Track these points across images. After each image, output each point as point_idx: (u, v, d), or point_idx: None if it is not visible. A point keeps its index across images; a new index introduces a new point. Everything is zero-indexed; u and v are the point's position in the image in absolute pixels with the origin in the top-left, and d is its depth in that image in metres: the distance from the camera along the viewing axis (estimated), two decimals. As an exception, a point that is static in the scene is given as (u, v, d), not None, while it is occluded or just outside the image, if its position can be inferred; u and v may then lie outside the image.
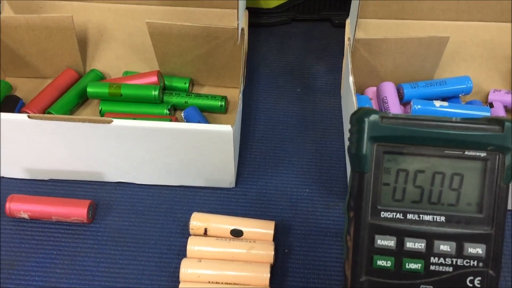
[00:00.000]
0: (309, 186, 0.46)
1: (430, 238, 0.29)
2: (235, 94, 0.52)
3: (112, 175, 0.45)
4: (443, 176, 0.29)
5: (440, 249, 0.29)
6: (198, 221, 0.41)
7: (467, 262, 0.29)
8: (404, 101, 0.49)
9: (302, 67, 0.56)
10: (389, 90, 0.48)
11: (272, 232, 0.41)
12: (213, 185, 0.45)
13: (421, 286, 0.29)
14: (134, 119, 0.40)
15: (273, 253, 0.39)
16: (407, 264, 0.29)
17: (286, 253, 0.41)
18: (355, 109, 0.40)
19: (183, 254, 0.40)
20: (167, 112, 0.49)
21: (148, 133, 0.40)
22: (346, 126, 0.49)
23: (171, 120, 0.48)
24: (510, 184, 0.29)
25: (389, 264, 0.29)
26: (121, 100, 0.49)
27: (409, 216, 0.29)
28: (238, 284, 0.38)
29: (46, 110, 0.49)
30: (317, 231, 0.43)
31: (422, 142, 0.29)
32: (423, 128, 0.28)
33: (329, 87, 0.54)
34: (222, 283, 0.38)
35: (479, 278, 0.29)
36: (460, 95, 0.49)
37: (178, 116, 0.50)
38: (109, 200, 0.44)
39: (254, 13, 0.58)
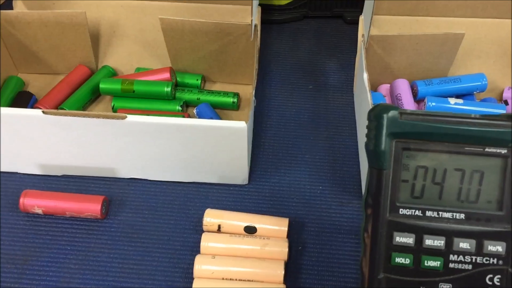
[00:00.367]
0: (323, 183, 0.46)
1: (450, 235, 0.28)
2: (247, 91, 0.52)
3: (125, 171, 0.45)
4: (463, 173, 0.29)
5: (460, 246, 0.28)
6: (211, 217, 0.41)
7: (486, 260, 0.28)
8: (418, 98, 0.48)
9: (314, 64, 0.56)
10: (403, 87, 0.48)
11: (286, 229, 0.41)
12: (226, 182, 0.45)
13: (440, 284, 0.29)
14: (146, 115, 0.40)
15: (287, 250, 0.39)
16: (426, 261, 0.28)
17: (299, 250, 0.41)
18: (370, 106, 0.40)
19: (197, 251, 0.40)
20: (179, 108, 0.49)
21: (162, 129, 0.40)
22: (359, 123, 0.49)
23: (183, 117, 0.47)
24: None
25: (407, 261, 0.29)
26: (133, 97, 0.49)
27: (428, 213, 0.29)
28: (252, 280, 0.38)
29: (58, 106, 0.49)
30: (331, 228, 0.43)
31: (442, 139, 0.28)
32: (443, 124, 0.28)
33: (342, 84, 0.54)
34: (236, 279, 0.38)
35: (499, 276, 0.28)
36: (474, 92, 0.49)
37: (190, 113, 0.50)
38: (122, 196, 0.44)
39: (266, 9, 0.58)
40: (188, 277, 0.40)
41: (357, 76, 0.50)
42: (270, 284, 0.38)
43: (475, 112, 0.45)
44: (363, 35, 0.47)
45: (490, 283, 0.28)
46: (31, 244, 0.41)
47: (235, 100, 0.50)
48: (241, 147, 0.41)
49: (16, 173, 0.46)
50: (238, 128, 0.39)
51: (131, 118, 0.39)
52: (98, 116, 0.39)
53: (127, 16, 0.54)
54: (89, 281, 0.39)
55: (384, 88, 0.50)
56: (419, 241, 0.29)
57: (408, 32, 0.50)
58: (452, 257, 0.28)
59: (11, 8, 0.53)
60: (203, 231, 0.41)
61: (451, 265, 0.28)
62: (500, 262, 0.28)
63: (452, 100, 0.46)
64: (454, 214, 0.29)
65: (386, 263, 0.29)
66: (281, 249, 0.39)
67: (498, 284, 0.28)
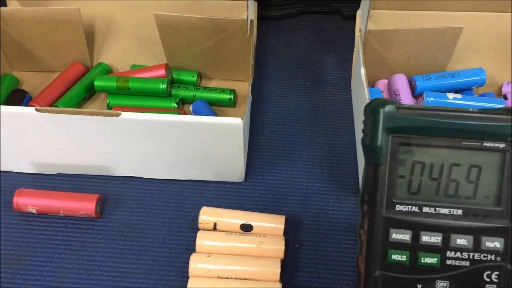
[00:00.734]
0: (320, 180, 0.45)
1: (447, 231, 0.28)
2: (244, 88, 0.52)
3: (120, 169, 0.44)
4: (460, 168, 0.28)
5: (457, 243, 0.28)
6: (207, 215, 0.40)
7: (484, 256, 0.28)
8: (416, 94, 0.48)
9: (312, 59, 0.56)
10: (401, 82, 0.47)
11: (282, 226, 0.40)
12: (222, 179, 0.45)
13: (437, 281, 0.28)
14: (142, 112, 0.39)
15: (283, 247, 0.39)
16: (422, 258, 0.28)
17: (296, 248, 0.41)
18: (367, 101, 0.40)
19: (192, 249, 0.40)
20: (175, 105, 0.48)
21: (157, 126, 0.39)
22: (357, 119, 0.48)
23: (179, 114, 0.47)
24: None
25: (404, 258, 0.28)
26: (128, 94, 0.49)
27: (425, 209, 0.28)
28: (248, 279, 0.37)
29: (53, 104, 0.48)
30: (328, 225, 0.42)
31: (439, 133, 0.28)
32: (440, 119, 0.28)
33: (339, 79, 0.54)
34: (231, 278, 0.37)
35: (497, 272, 0.28)
36: (473, 87, 0.48)
37: (186, 110, 0.50)
38: (117, 195, 0.44)
39: (262, 5, 0.57)
40: (184, 275, 0.39)
41: (355, 72, 0.50)
42: (266, 282, 0.37)
43: (474, 107, 0.45)
44: (360, 30, 0.46)
45: (488, 279, 0.28)
46: (25, 243, 0.41)
47: (232, 96, 0.49)
48: (237, 144, 0.40)
49: (10, 172, 0.45)
50: (234, 124, 0.38)
51: (125, 115, 0.39)
52: (92, 114, 0.39)
53: (121, 13, 0.54)
54: (84, 280, 0.39)
55: (382, 84, 0.50)
56: (415, 237, 0.28)
57: (406, 26, 0.49)
58: (449, 254, 0.28)
59: (4, 5, 0.52)
60: (198, 229, 0.41)
61: (448, 262, 0.28)
62: (498, 258, 0.28)
63: (451, 95, 0.46)
64: (452, 210, 0.28)
65: (382, 260, 0.28)
66: (278, 247, 0.39)
67: (496, 280, 0.28)
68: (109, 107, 0.49)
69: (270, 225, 0.40)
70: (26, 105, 0.49)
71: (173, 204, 0.43)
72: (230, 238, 0.39)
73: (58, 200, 0.42)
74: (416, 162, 0.28)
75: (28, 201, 0.41)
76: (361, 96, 0.43)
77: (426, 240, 0.28)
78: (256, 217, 0.41)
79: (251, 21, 0.47)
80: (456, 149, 0.28)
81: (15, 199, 0.41)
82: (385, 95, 0.49)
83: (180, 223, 0.42)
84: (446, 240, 0.28)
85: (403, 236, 0.28)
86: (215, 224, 0.40)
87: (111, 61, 0.53)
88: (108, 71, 0.52)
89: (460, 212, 0.28)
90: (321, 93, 0.52)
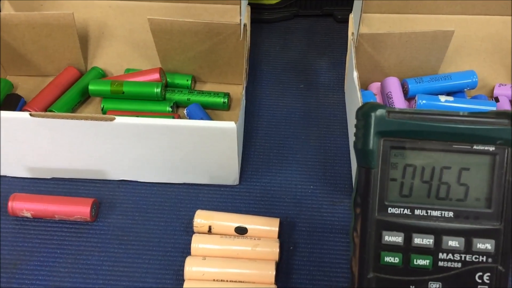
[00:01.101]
0: (314, 183, 0.45)
1: (438, 233, 0.28)
2: (238, 91, 0.52)
3: (115, 173, 0.44)
4: (451, 171, 0.29)
5: (449, 244, 0.28)
6: (202, 218, 0.41)
7: (476, 258, 0.28)
8: (408, 96, 0.48)
9: (305, 63, 0.56)
10: (393, 85, 0.48)
11: (277, 229, 0.40)
12: (216, 183, 0.45)
13: (430, 282, 0.28)
14: (136, 116, 0.40)
15: (278, 250, 0.39)
16: (415, 260, 0.28)
17: (291, 250, 0.41)
18: (360, 104, 0.40)
19: (187, 252, 0.40)
20: (170, 109, 0.49)
21: (151, 130, 0.39)
22: (350, 122, 0.49)
23: (173, 117, 0.47)
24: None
25: (397, 260, 0.28)
26: (123, 98, 0.49)
27: (417, 212, 0.29)
28: (243, 281, 0.37)
29: (47, 108, 0.49)
30: (322, 227, 0.42)
31: (430, 137, 0.28)
32: (431, 122, 0.28)
33: (333, 82, 0.54)
34: (227, 280, 0.37)
35: (488, 274, 0.28)
36: (465, 89, 0.49)
37: (181, 114, 0.50)
38: (112, 199, 0.44)
39: (256, 8, 0.58)
40: (179, 279, 0.39)
41: (348, 75, 0.50)
42: (261, 284, 0.37)
43: (466, 110, 0.45)
44: (353, 34, 0.46)
45: (480, 281, 0.28)
46: (20, 248, 0.41)
47: (226, 100, 0.50)
48: (231, 148, 0.41)
49: (5, 176, 0.45)
50: (228, 128, 0.39)
51: (120, 119, 0.39)
52: (86, 118, 0.39)
53: (115, 17, 0.54)
54: (79, 284, 0.39)
55: (374, 87, 0.50)
56: (408, 240, 0.28)
57: (398, 30, 0.49)
58: (441, 256, 0.28)
59: (-2, 10, 0.52)
60: (193, 233, 0.41)
61: (440, 264, 0.28)
62: (490, 260, 0.28)
63: (443, 98, 0.46)
64: (443, 212, 0.29)
65: (375, 262, 0.29)
66: (272, 250, 0.39)
67: (488, 282, 0.28)
68: (104, 111, 0.49)
69: (265, 227, 0.40)
70: (21, 109, 0.49)
71: (168, 207, 0.44)
72: (225, 241, 0.39)
73: (53, 204, 0.42)
74: (408, 165, 0.29)
75: (23, 206, 0.41)
76: (354, 99, 0.44)
77: (418, 242, 0.28)
78: (250, 220, 0.41)
79: (245, 25, 0.47)
80: (447, 152, 0.28)
81: (10, 204, 0.41)
82: (377, 98, 0.49)
83: (175, 226, 0.42)
84: (438, 242, 0.28)
85: (396, 238, 0.28)
86: (210, 227, 0.41)
87: (105, 65, 0.53)
88: (102, 75, 0.52)
89: (451, 214, 0.28)
90: (315, 96, 0.53)
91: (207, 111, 0.50)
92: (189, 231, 0.42)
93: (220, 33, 0.47)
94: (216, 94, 0.50)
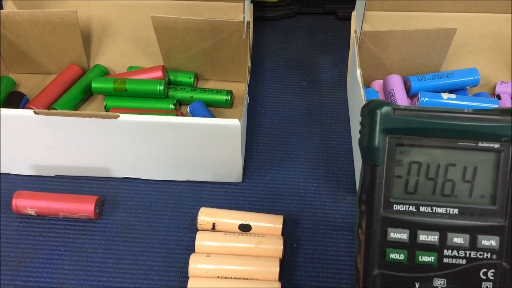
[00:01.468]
0: (317, 180, 0.46)
1: (443, 230, 0.28)
2: (240, 89, 0.52)
3: (119, 171, 0.45)
4: (456, 168, 0.29)
5: (454, 241, 0.28)
6: (206, 216, 0.41)
7: (480, 255, 0.28)
8: (411, 94, 0.48)
9: (307, 60, 0.56)
10: (396, 82, 0.48)
11: (280, 226, 0.41)
12: (220, 180, 0.45)
13: (435, 279, 0.29)
14: (139, 114, 0.40)
15: (282, 247, 0.39)
16: (420, 257, 0.28)
17: (294, 248, 0.41)
18: (363, 102, 0.40)
19: (191, 249, 0.40)
20: (173, 107, 0.49)
21: (155, 128, 0.39)
22: (353, 119, 0.49)
23: (176, 115, 0.47)
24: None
25: (402, 257, 0.29)
26: (126, 96, 0.49)
27: (422, 209, 0.29)
28: (247, 278, 0.38)
29: (50, 106, 0.49)
30: (326, 225, 0.43)
31: (435, 134, 0.28)
32: (436, 120, 0.28)
33: (335, 80, 0.54)
34: (231, 278, 0.38)
35: (493, 270, 0.28)
36: (467, 87, 0.49)
37: (183, 111, 0.50)
38: (116, 196, 0.44)
39: (258, 6, 0.58)
40: (183, 276, 0.39)
41: (350, 72, 0.50)
42: (265, 282, 0.38)
43: (468, 107, 0.45)
44: (355, 31, 0.47)
45: (484, 277, 0.28)
46: (24, 245, 0.41)
47: (228, 97, 0.50)
48: (235, 145, 0.41)
49: (9, 174, 0.45)
50: (232, 126, 0.39)
51: (124, 117, 0.39)
52: (90, 116, 0.39)
53: (118, 15, 0.54)
54: (84, 282, 0.39)
55: (377, 84, 0.50)
56: (413, 236, 0.29)
57: (401, 27, 0.50)
58: (446, 252, 0.28)
59: (0, 7, 0.52)
60: (197, 230, 0.41)
61: (445, 260, 0.28)
62: (494, 256, 0.28)
63: (445, 95, 0.46)
64: (448, 209, 0.29)
65: (380, 259, 0.29)
66: (276, 247, 0.39)
67: (492, 278, 0.28)
68: (107, 109, 0.49)
69: (268, 225, 0.41)
70: (23, 107, 0.49)
71: (172, 205, 0.44)
72: (229, 238, 0.39)
73: (57, 202, 0.42)
74: (413, 162, 0.29)
75: (27, 203, 0.42)
76: (357, 96, 0.44)
77: (423, 239, 0.28)
78: (254, 217, 0.41)
79: (248, 22, 0.47)
80: (452, 149, 0.29)
81: (14, 201, 0.42)
82: (380, 96, 0.49)
83: (179, 223, 0.43)
84: (443, 238, 0.28)
85: (401, 235, 0.29)
86: (213, 225, 0.41)
87: (108, 63, 0.53)
88: (105, 73, 0.52)
89: (456, 211, 0.29)
90: (317, 93, 0.53)
91: (209, 108, 0.50)
92: (193, 229, 0.42)
93: (223, 30, 0.47)
94: (219, 91, 0.50)
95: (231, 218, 0.41)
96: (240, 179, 0.45)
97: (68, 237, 0.41)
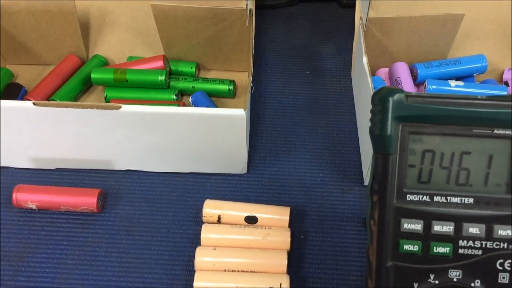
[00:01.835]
0: (323, 171, 0.45)
1: (459, 220, 0.28)
2: (243, 78, 0.51)
3: (121, 163, 0.44)
4: (471, 156, 0.28)
5: (469, 231, 0.28)
6: (211, 208, 0.40)
7: (497, 245, 0.28)
8: (418, 82, 0.47)
9: (310, 49, 0.55)
10: (402, 70, 0.47)
11: (287, 218, 0.40)
12: (224, 172, 0.44)
13: (450, 270, 0.28)
14: (141, 105, 0.39)
15: (289, 239, 0.38)
16: (435, 248, 0.28)
17: (302, 239, 0.40)
18: (371, 90, 0.39)
19: (197, 242, 0.39)
20: (174, 97, 0.48)
21: (158, 118, 0.38)
22: (359, 108, 0.48)
23: (179, 105, 0.46)
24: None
25: (416, 248, 0.28)
26: (126, 86, 0.48)
27: (436, 199, 0.28)
28: (254, 271, 0.37)
29: (49, 97, 0.48)
30: (333, 216, 0.42)
31: (450, 121, 0.27)
32: (451, 107, 0.27)
33: (339, 68, 0.53)
34: (238, 271, 0.37)
35: (509, 261, 0.28)
36: (474, 74, 0.48)
37: (185, 101, 0.49)
38: (119, 189, 0.43)
39: (259, -6, 0.57)
40: (189, 269, 0.39)
41: (355, 60, 0.49)
42: (273, 274, 0.37)
43: (481, 94, 0.44)
44: (361, 18, 0.46)
45: (501, 268, 0.28)
46: (26, 240, 0.40)
47: (231, 87, 0.49)
48: (240, 136, 0.40)
49: (8, 167, 0.44)
50: (237, 116, 0.38)
51: (126, 108, 0.38)
52: (92, 107, 0.38)
53: (117, 3, 0.52)
54: (87, 276, 0.38)
55: (382, 72, 0.49)
56: (427, 227, 0.28)
57: (406, 14, 0.49)
58: (462, 243, 0.28)
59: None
60: (202, 223, 0.40)
61: (461, 251, 0.28)
62: (511, 246, 0.27)
63: (453, 83, 0.45)
64: (463, 198, 0.28)
65: (394, 250, 0.28)
66: (284, 239, 0.38)
67: (509, 269, 0.28)
68: (107, 99, 0.48)
69: (275, 216, 0.40)
70: (22, 99, 0.48)
71: (176, 197, 0.43)
72: (235, 230, 0.39)
73: (58, 196, 0.41)
74: (426, 151, 0.28)
75: (27, 197, 0.41)
76: (363, 85, 0.43)
77: (438, 230, 0.28)
78: (260, 209, 0.40)
79: (250, 10, 0.46)
80: (467, 137, 0.28)
81: (14, 195, 0.41)
82: (386, 84, 0.48)
83: (183, 216, 0.42)
84: (458, 229, 0.28)
85: (415, 226, 0.28)
86: (219, 217, 0.40)
87: (107, 53, 0.52)
88: (104, 63, 0.51)
89: (471, 200, 0.28)
90: (321, 82, 0.52)
91: (212, 98, 0.49)
92: (198, 221, 0.41)
93: (225, 18, 0.46)
94: (221, 81, 0.49)
95: (236, 210, 0.40)
96: (244, 170, 0.44)
97: (71, 231, 0.41)
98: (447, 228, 0.28)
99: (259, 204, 0.41)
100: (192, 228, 0.41)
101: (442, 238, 0.28)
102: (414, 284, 0.28)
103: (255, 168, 0.45)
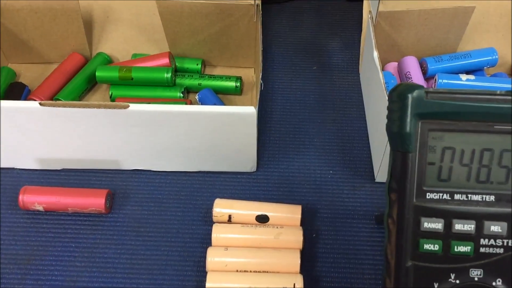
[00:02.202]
0: (333, 168, 0.44)
1: (480, 219, 0.27)
2: (249, 74, 0.50)
3: (128, 163, 0.43)
4: (492, 153, 0.27)
5: (491, 230, 0.27)
6: (221, 207, 0.39)
7: (518, 243, 0.27)
8: (427, 76, 0.47)
9: (317, 44, 0.54)
10: (412, 64, 0.46)
11: (299, 216, 0.39)
12: (233, 170, 0.44)
13: (471, 269, 0.27)
14: (147, 103, 0.38)
15: (302, 238, 0.38)
16: (455, 247, 0.27)
17: (314, 238, 0.40)
18: (382, 85, 0.38)
19: (207, 243, 0.39)
20: (181, 95, 0.47)
21: (166, 117, 0.38)
22: (368, 103, 0.47)
23: (185, 103, 0.45)
24: None
25: (436, 247, 0.27)
26: (132, 84, 0.47)
27: (457, 197, 0.27)
28: (267, 271, 0.36)
29: (53, 97, 0.47)
30: (344, 214, 0.41)
31: (471, 118, 0.27)
32: (472, 103, 0.26)
33: (346, 63, 0.52)
34: (251, 271, 0.36)
35: (531, 259, 0.27)
36: (485, 67, 0.47)
37: (192, 99, 0.48)
38: (126, 189, 0.43)
39: (264, -12, 0.56)
40: (200, 270, 0.38)
41: (364, 55, 0.48)
42: (286, 274, 0.36)
43: (490, 88, 0.44)
44: (370, 12, 0.45)
45: (523, 266, 0.27)
46: (33, 243, 0.39)
47: (238, 84, 0.48)
48: (250, 134, 0.39)
49: (14, 168, 0.44)
50: (247, 113, 0.37)
51: (134, 107, 0.37)
52: (99, 106, 0.37)
53: (121, 1, 0.51)
54: (97, 278, 0.38)
55: (391, 67, 0.49)
56: (448, 226, 0.27)
57: (415, 7, 0.48)
58: (483, 241, 0.27)
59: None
60: (213, 222, 0.39)
61: (482, 250, 0.27)
62: (533, 244, 0.27)
63: (464, 77, 0.45)
64: (484, 196, 0.27)
65: (414, 250, 0.28)
66: (296, 238, 0.38)
67: (531, 267, 0.27)
68: (112, 98, 0.47)
69: (287, 215, 0.39)
70: (25, 99, 0.47)
71: (184, 196, 0.42)
72: (246, 230, 0.38)
73: (66, 197, 0.40)
74: (446, 148, 0.27)
75: (34, 199, 0.40)
76: (374, 80, 0.42)
77: (459, 228, 0.27)
78: (271, 207, 0.40)
79: (257, 5, 0.45)
80: (488, 133, 0.27)
81: (20, 197, 0.40)
82: (397, 78, 0.47)
83: (192, 216, 0.41)
84: (479, 227, 0.27)
85: (435, 224, 0.27)
86: (229, 216, 0.39)
87: (111, 50, 0.51)
88: (108, 61, 0.50)
89: (492, 198, 0.27)
90: (329, 77, 0.51)
91: (218, 95, 0.48)
92: (208, 221, 0.41)
93: (232, 14, 0.45)
94: (228, 78, 0.48)
95: (247, 209, 0.39)
96: (254, 169, 0.44)
97: (79, 233, 0.40)
98: (468, 226, 0.27)
99: (270, 203, 0.40)
100: (202, 228, 0.40)
101: (463, 237, 0.27)
102: (435, 284, 0.27)
103: (264, 166, 0.44)
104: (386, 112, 0.28)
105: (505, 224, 0.27)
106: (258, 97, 0.40)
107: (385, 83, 0.40)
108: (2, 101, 0.37)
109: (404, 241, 0.28)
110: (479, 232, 0.27)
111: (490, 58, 0.46)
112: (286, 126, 0.47)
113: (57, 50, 0.50)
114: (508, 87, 0.44)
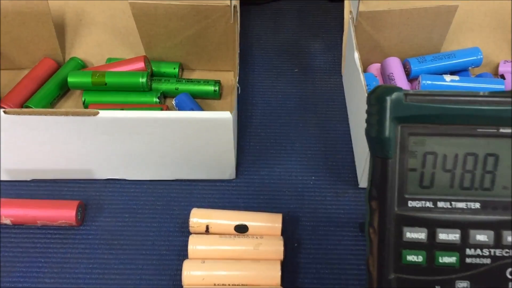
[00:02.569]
0: (315, 173, 0.43)
1: (465, 227, 0.26)
2: (228, 78, 0.49)
3: (101, 172, 0.41)
4: (475, 158, 0.26)
5: (477, 239, 0.26)
6: (198, 217, 0.38)
7: (506, 252, 0.26)
8: (411, 77, 0.45)
9: (298, 45, 0.53)
10: (395, 65, 0.45)
11: (280, 225, 0.38)
12: (211, 178, 0.42)
13: (457, 281, 0.26)
14: (121, 109, 0.36)
15: (282, 248, 0.36)
16: (440, 258, 0.26)
17: (295, 248, 0.38)
18: (363, 88, 0.37)
19: (184, 255, 0.37)
20: (157, 100, 0.45)
21: (139, 124, 0.36)
22: (350, 107, 0.46)
23: (161, 109, 0.44)
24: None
25: (420, 259, 0.26)
26: (105, 90, 0.46)
27: (440, 204, 0.26)
28: (246, 285, 0.35)
29: (24, 104, 0.45)
30: (327, 221, 0.40)
31: (452, 121, 0.25)
32: (453, 105, 0.25)
33: (328, 65, 0.51)
34: (229, 284, 0.35)
35: (520, 269, 0.26)
36: (469, 68, 0.46)
37: (169, 104, 0.47)
38: (99, 200, 0.41)
39: (244, -10, 0.54)
40: (176, 284, 0.36)
41: (346, 57, 0.47)
42: (266, 286, 0.35)
43: (475, 89, 0.43)
44: (351, 12, 0.43)
45: (511, 277, 0.26)
46: (1, 258, 0.37)
47: (217, 88, 0.46)
48: (227, 139, 0.37)
49: (-20, 180, 0.42)
50: (223, 119, 0.35)
51: (104, 113, 0.35)
52: (67, 114, 0.35)
53: (93, 3, 0.50)
54: (68, 295, 0.36)
55: (374, 68, 0.47)
56: (431, 235, 0.26)
57: (398, 6, 0.47)
58: (469, 251, 0.26)
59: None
60: (190, 233, 0.38)
61: (468, 260, 0.26)
62: (521, 254, 0.26)
63: (448, 77, 0.44)
64: (468, 203, 0.26)
65: (396, 262, 0.26)
66: (276, 248, 0.36)
67: (520, 277, 0.26)
68: (85, 104, 0.45)
69: (267, 224, 0.38)
70: (-6, 106, 0.45)
71: (160, 206, 0.40)
72: (224, 241, 0.36)
73: (34, 209, 0.38)
74: (428, 153, 0.26)
75: (1, 212, 0.38)
76: (355, 82, 0.41)
77: (444, 238, 0.26)
78: (251, 216, 0.38)
79: (234, 6, 0.44)
80: (471, 137, 0.26)
81: (-13, 211, 0.38)
82: (379, 80, 0.46)
83: (169, 227, 0.39)
84: (464, 236, 0.26)
85: (418, 234, 0.26)
86: (207, 227, 0.38)
87: (84, 55, 0.49)
88: (82, 66, 0.48)
89: (477, 205, 0.26)
90: (311, 80, 0.50)
91: (196, 100, 0.46)
92: (185, 232, 0.39)
93: (208, 16, 0.43)
94: (206, 82, 0.46)
95: (225, 219, 0.38)
96: (233, 176, 0.42)
97: (48, 247, 0.38)
98: (453, 236, 0.26)
99: (249, 212, 0.38)
100: (179, 239, 0.39)
101: (448, 247, 0.26)
102: (419, 297, 0.26)
103: (244, 173, 0.43)
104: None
105: (491, 233, 0.26)
106: (236, 101, 0.39)
107: (367, 85, 0.39)
108: (-36, 109, 0.35)
109: (386, 252, 0.26)
110: (465, 241, 0.26)
111: (475, 58, 0.45)
112: (267, 131, 0.46)
113: (28, 55, 0.48)
114: (493, 88, 0.43)
